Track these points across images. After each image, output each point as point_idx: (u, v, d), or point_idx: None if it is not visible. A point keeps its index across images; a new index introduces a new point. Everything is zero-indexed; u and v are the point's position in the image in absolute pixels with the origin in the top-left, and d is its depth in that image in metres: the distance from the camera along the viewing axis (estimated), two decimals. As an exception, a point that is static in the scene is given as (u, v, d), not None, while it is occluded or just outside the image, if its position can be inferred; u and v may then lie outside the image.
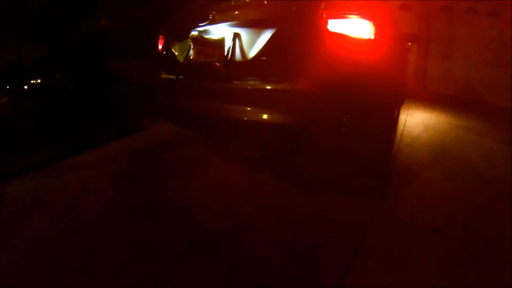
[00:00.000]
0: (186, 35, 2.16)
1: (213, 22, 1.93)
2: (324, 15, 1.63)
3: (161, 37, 2.57)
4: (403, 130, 3.56)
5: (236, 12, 1.90)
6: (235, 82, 1.85)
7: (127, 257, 1.55)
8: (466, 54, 6.45)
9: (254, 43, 1.78)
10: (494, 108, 5.84)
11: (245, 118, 1.81)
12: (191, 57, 2.10)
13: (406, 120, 4.00)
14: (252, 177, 2.36)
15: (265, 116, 1.74)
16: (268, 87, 1.73)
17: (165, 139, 3.45)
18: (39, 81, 5.10)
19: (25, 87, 4.96)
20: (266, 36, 1.74)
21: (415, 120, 4.10)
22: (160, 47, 2.56)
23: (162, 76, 2.40)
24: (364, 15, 1.67)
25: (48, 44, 4.92)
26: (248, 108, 1.80)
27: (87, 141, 3.30)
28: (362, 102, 1.70)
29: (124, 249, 1.62)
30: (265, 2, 1.84)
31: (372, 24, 1.68)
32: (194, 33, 2.06)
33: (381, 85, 1.81)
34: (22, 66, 4.77)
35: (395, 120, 2.58)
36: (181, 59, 2.22)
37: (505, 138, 3.74)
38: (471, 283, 1.39)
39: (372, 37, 1.68)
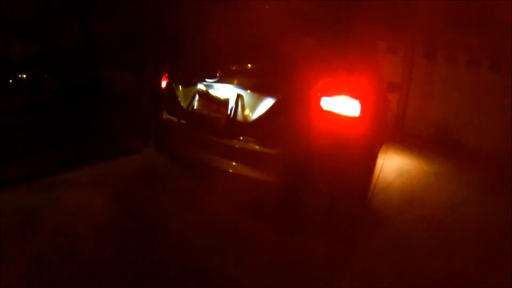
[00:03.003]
0: (192, 84, 2.37)
1: (220, 80, 2.14)
2: (319, 94, 1.89)
3: (165, 75, 2.76)
4: (378, 175, 3.85)
5: (242, 76, 2.12)
6: (234, 140, 2.07)
7: (120, 278, 1.69)
8: (444, 98, 6.93)
9: (256, 108, 2.01)
10: (468, 151, 6.30)
11: (239, 173, 2.03)
12: (195, 107, 2.31)
13: (382, 165, 4.30)
14: (238, 217, 2.55)
15: (257, 174, 1.97)
16: (263, 149, 1.97)
17: (156, 166, 3.45)
18: (24, 79, 4.96)
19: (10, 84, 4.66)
20: (267, 103, 1.98)
21: (391, 165, 4.42)
22: (163, 85, 2.75)
23: (164, 116, 2.59)
24: (353, 95, 1.93)
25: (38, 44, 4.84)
26: (243, 165, 2.02)
27: (76, 158, 3.24)
28: (343, 169, 1.97)
29: (118, 271, 1.75)
30: (270, 70, 2.07)
31: (359, 102, 1.94)
32: (201, 86, 2.27)
33: (361, 154, 2.10)
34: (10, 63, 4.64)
35: (371, 176, 2.85)
36: (184, 105, 2.42)
37: (474, 184, 4.14)
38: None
39: (358, 114, 1.94)
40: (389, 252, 2.31)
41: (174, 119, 2.51)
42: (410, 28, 6.70)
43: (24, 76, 4.93)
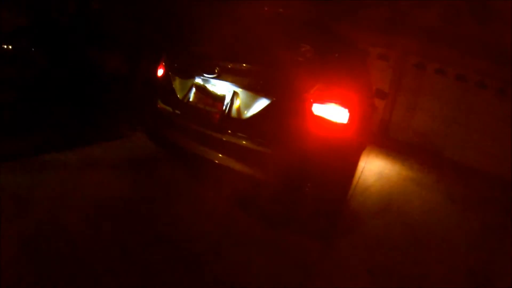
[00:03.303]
0: (189, 76, 2.45)
1: (218, 77, 2.22)
2: (312, 100, 2.00)
3: (162, 64, 2.81)
4: (359, 178, 4.03)
5: (240, 75, 2.20)
6: (227, 134, 2.17)
7: (111, 263, 1.78)
8: (429, 109, 7.17)
9: (250, 106, 2.11)
10: (446, 162, 6.58)
11: (229, 166, 2.14)
12: (191, 100, 2.39)
13: (364, 168, 4.49)
14: (224, 208, 2.66)
15: (246, 169, 2.08)
16: (254, 147, 2.08)
17: (144, 152, 3.47)
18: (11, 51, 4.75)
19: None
20: (261, 103, 2.08)
21: (371, 169, 4.61)
22: (159, 73, 2.80)
23: (159, 105, 2.65)
24: (343, 103, 2.05)
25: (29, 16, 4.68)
26: (233, 159, 2.13)
27: (64, 138, 3.22)
28: (327, 171, 2.10)
29: (108, 256, 1.83)
30: (268, 73, 2.16)
31: (348, 111, 2.07)
32: (199, 80, 2.35)
33: (346, 158, 2.23)
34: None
35: (352, 178, 3.00)
36: (180, 95, 2.49)
37: (449, 193, 4.38)
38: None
39: (346, 122, 2.07)
40: (361, 249, 2.48)
41: (169, 108, 2.57)
42: (404, 37, 6.89)
43: (10, 47, 4.80)
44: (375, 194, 3.76)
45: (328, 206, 2.47)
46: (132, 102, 4.24)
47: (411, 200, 3.86)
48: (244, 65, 2.22)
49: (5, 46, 4.73)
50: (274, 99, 2.06)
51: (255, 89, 2.12)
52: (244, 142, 2.11)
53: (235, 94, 2.18)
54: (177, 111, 2.51)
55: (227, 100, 2.19)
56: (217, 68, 2.23)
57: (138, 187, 2.70)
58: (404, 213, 3.38)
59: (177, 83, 2.56)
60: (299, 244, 2.36)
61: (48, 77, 4.21)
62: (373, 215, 3.13)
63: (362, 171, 4.32)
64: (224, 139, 2.16)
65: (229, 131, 2.16)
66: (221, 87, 2.24)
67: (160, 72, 2.80)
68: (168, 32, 4.25)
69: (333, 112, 2.03)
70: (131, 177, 2.83)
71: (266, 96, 2.08)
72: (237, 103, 2.16)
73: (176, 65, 2.67)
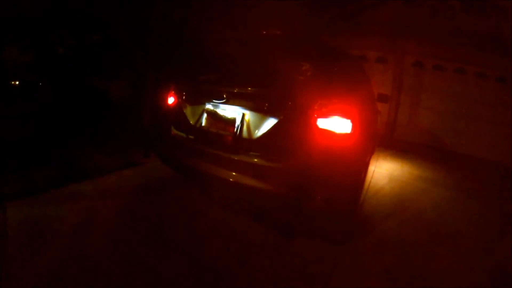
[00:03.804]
0: (200, 103, 2.63)
1: (227, 102, 2.40)
2: (315, 115, 2.16)
3: (171, 92, 3.00)
4: (370, 181, 4.14)
5: (247, 98, 2.38)
6: (240, 154, 2.33)
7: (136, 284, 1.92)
8: (432, 105, 7.25)
9: (260, 127, 2.28)
10: (454, 156, 6.62)
11: (244, 183, 2.30)
12: (203, 124, 2.57)
13: (374, 171, 4.60)
14: (242, 223, 2.81)
15: (261, 185, 2.23)
16: (267, 163, 2.23)
17: (159, 177, 3.64)
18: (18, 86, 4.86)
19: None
20: (270, 123, 2.25)
21: (381, 172, 4.72)
22: (170, 101, 2.99)
23: (172, 132, 2.83)
24: (345, 115, 2.21)
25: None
26: (248, 176, 2.28)
27: (80, 169, 3.35)
28: (337, 179, 2.25)
29: (133, 277, 1.98)
30: (273, 94, 2.34)
31: (350, 121, 2.22)
32: (209, 106, 2.53)
33: (353, 164, 2.38)
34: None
35: (362, 180, 3.13)
36: (192, 121, 2.67)
37: (459, 187, 4.47)
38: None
39: (349, 131, 2.21)
40: (377, 250, 2.59)
41: (183, 134, 2.76)
42: (399, 38, 7.04)
43: (17, 83, 4.94)
44: (387, 195, 3.86)
45: (341, 212, 2.60)
46: (143, 130, 4.42)
47: (423, 198, 3.93)
48: (249, 88, 2.40)
49: (13, 82, 4.95)
50: (281, 117, 2.23)
51: (262, 110, 2.29)
52: (256, 160, 2.27)
53: (244, 116, 2.35)
54: (190, 136, 2.69)
55: (238, 122, 2.36)
56: (225, 94, 2.41)
57: (158, 209, 2.87)
58: (417, 212, 3.46)
59: (188, 110, 2.75)
60: (315, 249, 2.49)
61: (56, 110, 4.38)
62: (386, 217, 3.23)
63: (372, 175, 4.43)
64: (237, 158, 2.33)
65: (242, 151, 2.33)
66: (231, 111, 2.41)
67: (170, 100, 2.99)
68: (174, 59, 4.45)
69: (336, 124, 2.18)
70: (149, 201, 3.02)
71: (273, 115, 2.25)
72: (247, 124, 2.33)
73: (186, 92, 2.86)
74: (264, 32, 2.99)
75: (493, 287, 2.31)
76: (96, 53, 5.15)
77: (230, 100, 2.40)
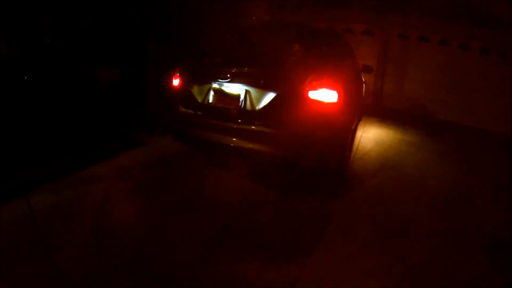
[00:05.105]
0: (206, 83, 3.03)
1: (232, 81, 2.82)
2: (307, 88, 2.60)
3: (177, 74, 3.37)
4: (358, 145, 4.61)
5: (249, 76, 2.81)
6: (245, 124, 2.78)
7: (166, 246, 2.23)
8: (418, 75, 7.63)
9: (261, 100, 2.72)
10: (438, 123, 7.05)
11: (249, 148, 2.76)
12: (211, 101, 2.98)
13: (361, 136, 5.06)
14: (246, 184, 3.29)
15: (263, 148, 2.71)
16: (268, 130, 2.70)
17: (167, 153, 3.94)
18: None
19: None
20: (269, 97, 2.69)
21: (368, 137, 5.18)
22: (176, 83, 3.36)
23: (181, 109, 3.24)
24: (331, 87, 2.65)
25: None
26: (253, 142, 2.75)
27: (91, 154, 3.50)
28: (327, 138, 2.73)
29: (166, 239, 2.30)
30: (271, 72, 2.77)
31: (336, 92, 2.66)
32: (215, 85, 2.94)
33: (340, 126, 2.87)
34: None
35: (350, 143, 3.61)
36: (199, 99, 3.06)
37: (440, 151, 4.95)
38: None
39: (336, 100, 2.66)
40: (364, 200, 3.11)
41: (191, 111, 3.16)
42: (385, 11, 7.34)
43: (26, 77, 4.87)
44: (373, 157, 4.33)
45: (331, 169, 3.09)
46: (147, 112, 4.66)
47: (406, 159, 4.40)
48: (251, 68, 2.83)
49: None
50: (279, 91, 2.67)
51: (262, 86, 2.73)
52: (259, 128, 2.72)
53: (247, 92, 2.77)
54: (199, 112, 3.11)
55: (242, 97, 2.78)
56: (229, 74, 2.82)
57: (172, 182, 3.27)
58: (400, 171, 3.95)
59: (195, 90, 3.13)
60: (310, 202, 2.99)
61: (52, 102, 4.15)
62: (372, 175, 3.71)
63: (360, 139, 4.88)
64: (243, 127, 2.78)
65: (247, 121, 2.78)
66: (235, 88, 2.83)
67: (176, 82, 3.36)
68: (174, 43, 4.68)
69: (324, 95, 2.63)
70: (162, 175, 3.42)
71: (272, 90, 2.68)
72: (250, 99, 2.76)
73: (192, 74, 3.25)
74: (254, 18, 3.37)
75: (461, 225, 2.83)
76: (87, 41, 4.91)
77: (235, 79, 2.81)
